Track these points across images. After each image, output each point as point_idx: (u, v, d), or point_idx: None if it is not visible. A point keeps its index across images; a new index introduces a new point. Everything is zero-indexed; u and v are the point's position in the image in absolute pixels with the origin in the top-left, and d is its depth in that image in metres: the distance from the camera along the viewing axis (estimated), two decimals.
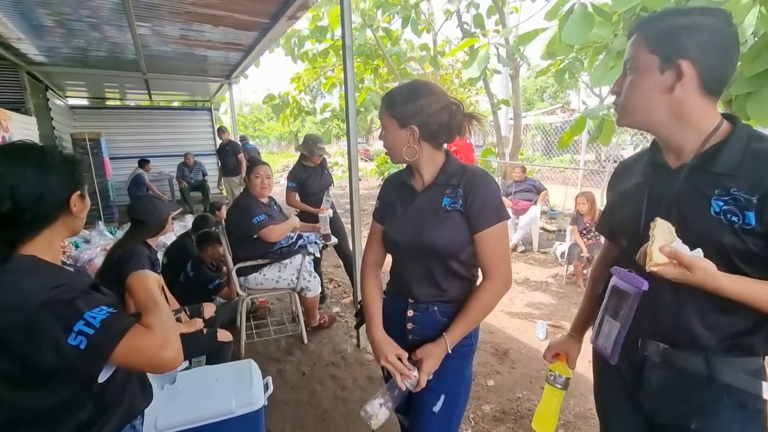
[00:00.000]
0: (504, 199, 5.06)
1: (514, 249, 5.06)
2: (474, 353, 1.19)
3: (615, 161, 9.04)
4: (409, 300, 1.14)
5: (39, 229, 0.86)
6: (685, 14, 0.78)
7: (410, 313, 1.14)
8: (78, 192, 0.92)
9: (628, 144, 10.16)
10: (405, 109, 1.04)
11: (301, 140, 3.43)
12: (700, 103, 0.78)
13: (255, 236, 2.56)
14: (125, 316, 0.85)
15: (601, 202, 5.34)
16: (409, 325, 1.14)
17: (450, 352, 1.06)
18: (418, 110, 1.03)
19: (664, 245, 0.73)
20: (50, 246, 0.89)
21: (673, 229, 0.75)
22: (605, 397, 1.03)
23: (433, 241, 1.06)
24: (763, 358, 0.81)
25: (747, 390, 0.78)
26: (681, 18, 0.77)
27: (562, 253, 4.21)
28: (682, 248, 0.73)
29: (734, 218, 0.73)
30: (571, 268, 3.93)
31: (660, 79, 0.78)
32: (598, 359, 1.03)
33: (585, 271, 3.95)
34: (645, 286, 0.80)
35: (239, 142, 7.58)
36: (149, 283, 1.01)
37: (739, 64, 0.77)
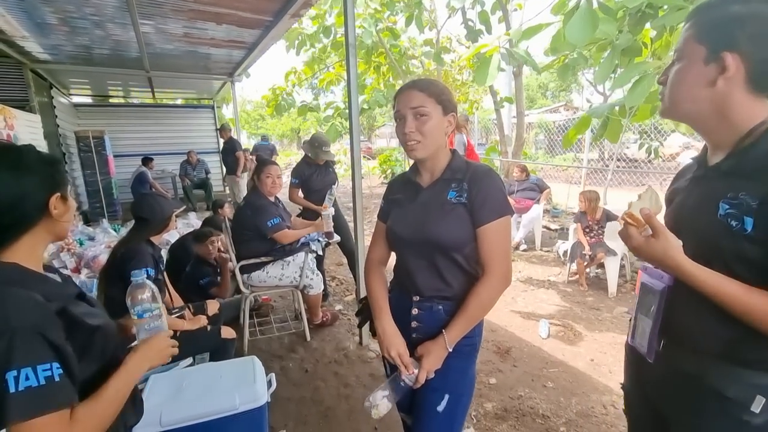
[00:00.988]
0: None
1: (517, 247, 5.05)
2: (477, 352, 1.19)
3: (618, 159, 8.98)
4: (414, 298, 1.14)
5: (19, 235, 0.81)
6: (744, 1, 0.72)
7: (415, 311, 1.14)
8: (58, 194, 0.85)
9: (632, 142, 10.08)
10: (446, 97, 1.08)
11: (303, 138, 3.45)
12: (745, 100, 0.73)
13: (269, 237, 2.65)
14: (60, 392, 0.72)
15: (603, 200, 5.31)
16: (414, 324, 1.14)
17: (450, 350, 1.06)
18: (454, 101, 1.10)
19: (644, 207, 0.75)
20: (32, 252, 0.84)
21: (662, 204, 0.76)
22: (628, 388, 1.05)
23: (438, 234, 1.06)
24: None
25: (737, 400, 0.74)
26: (738, 6, 0.72)
27: (565, 252, 4.20)
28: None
29: (734, 222, 0.71)
30: (574, 266, 3.92)
31: (703, 71, 0.75)
32: (628, 355, 1.03)
33: (588, 270, 3.94)
34: (671, 281, 0.80)
35: (260, 141, 7.62)
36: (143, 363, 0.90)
37: None
